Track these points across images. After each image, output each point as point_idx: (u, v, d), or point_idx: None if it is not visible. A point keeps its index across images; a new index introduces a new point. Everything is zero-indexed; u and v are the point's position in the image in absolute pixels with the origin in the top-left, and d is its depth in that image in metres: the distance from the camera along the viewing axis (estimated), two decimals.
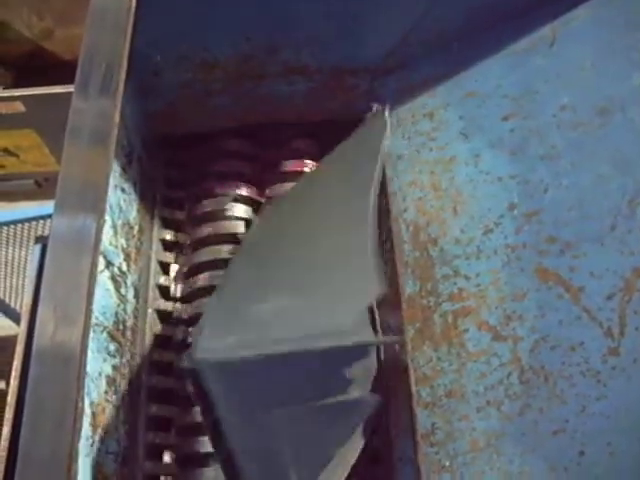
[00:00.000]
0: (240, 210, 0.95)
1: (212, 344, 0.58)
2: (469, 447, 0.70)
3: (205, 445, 0.82)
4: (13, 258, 1.55)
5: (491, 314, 0.74)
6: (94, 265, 0.63)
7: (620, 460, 0.61)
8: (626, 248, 0.67)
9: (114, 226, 0.83)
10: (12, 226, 1.51)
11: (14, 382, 1.20)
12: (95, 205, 0.65)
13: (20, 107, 1.58)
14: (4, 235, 1.55)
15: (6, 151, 1.75)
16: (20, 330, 1.25)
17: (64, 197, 0.66)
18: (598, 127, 0.73)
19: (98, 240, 0.64)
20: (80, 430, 0.59)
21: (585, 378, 0.66)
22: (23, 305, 1.27)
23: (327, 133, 0.99)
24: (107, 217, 0.81)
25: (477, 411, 0.71)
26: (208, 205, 0.96)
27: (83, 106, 0.69)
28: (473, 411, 0.71)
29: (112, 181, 0.84)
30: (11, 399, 1.18)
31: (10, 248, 1.54)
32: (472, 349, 0.74)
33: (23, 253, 1.54)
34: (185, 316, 0.91)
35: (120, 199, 0.86)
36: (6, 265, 1.58)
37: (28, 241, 1.51)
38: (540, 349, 0.70)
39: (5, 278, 1.60)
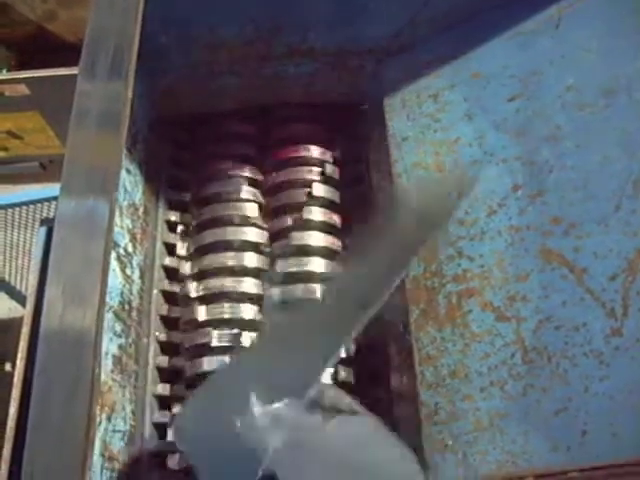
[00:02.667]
0: (245, 192, 0.96)
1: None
2: (472, 427, 0.70)
3: None
4: (18, 240, 1.56)
5: (495, 295, 0.75)
6: (108, 246, 0.63)
7: (622, 440, 0.62)
8: (630, 229, 0.67)
9: (120, 207, 0.83)
10: (17, 208, 1.51)
11: (20, 363, 1.20)
12: (105, 187, 0.65)
13: (24, 89, 1.57)
14: (9, 217, 1.55)
15: (10, 133, 1.75)
16: (26, 312, 1.26)
17: (70, 179, 0.67)
18: (603, 108, 0.73)
19: (112, 222, 0.64)
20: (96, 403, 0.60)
21: (588, 358, 0.66)
22: (29, 287, 1.27)
23: (332, 116, 0.99)
24: None
25: (480, 391, 0.71)
26: (214, 187, 0.96)
27: (90, 88, 0.69)
28: (477, 391, 0.72)
29: None
30: (17, 380, 1.19)
31: (15, 230, 1.55)
32: (476, 330, 0.74)
33: (28, 235, 1.55)
34: (191, 297, 0.92)
35: (126, 180, 0.86)
36: (11, 247, 1.58)
37: (33, 223, 1.52)
38: (543, 330, 0.70)
39: (10, 260, 1.60)
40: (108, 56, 0.69)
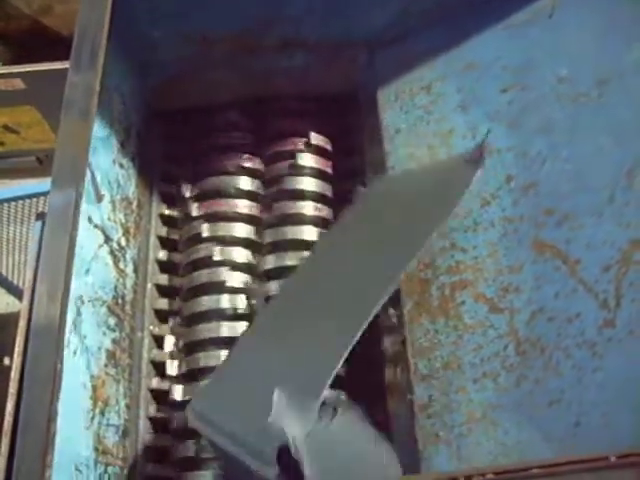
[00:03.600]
0: (241, 183, 0.95)
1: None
2: (465, 418, 0.70)
3: None
4: (14, 235, 1.55)
5: (488, 286, 0.74)
6: (72, 240, 0.63)
7: (615, 431, 0.62)
8: (623, 220, 0.67)
9: (112, 201, 0.83)
10: (13, 203, 1.50)
11: (17, 358, 1.20)
12: (72, 179, 0.65)
13: (20, 84, 1.57)
14: (5, 212, 1.55)
15: (6, 128, 1.75)
16: (22, 306, 1.25)
17: (58, 172, 0.67)
18: (597, 99, 0.72)
19: (76, 215, 0.64)
20: (58, 394, 0.60)
21: (581, 350, 0.66)
22: (25, 281, 1.27)
23: (326, 107, 0.99)
24: (106, 192, 0.81)
25: (473, 383, 0.71)
26: (209, 180, 0.95)
27: (76, 80, 0.69)
28: (470, 383, 0.72)
29: (110, 157, 0.85)
30: (14, 374, 1.19)
31: (12, 225, 1.54)
32: (469, 321, 0.74)
33: (24, 230, 1.54)
34: (184, 290, 0.91)
35: (118, 174, 0.86)
36: (8, 242, 1.58)
37: (29, 218, 1.51)
38: (536, 321, 0.70)
39: (7, 255, 1.60)
40: (89, 49, 0.69)
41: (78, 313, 0.71)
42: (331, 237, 0.86)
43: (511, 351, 0.70)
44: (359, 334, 0.67)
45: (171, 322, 0.91)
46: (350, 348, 0.66)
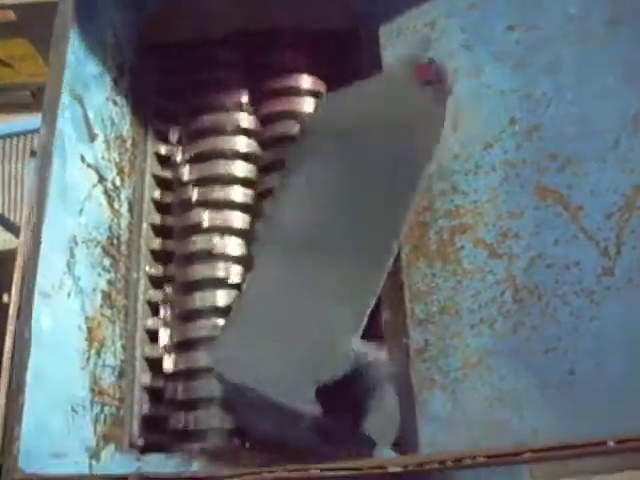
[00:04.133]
0: (237, 120, 0.93)
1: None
2: (461, 364, 0.70)
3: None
4: (10, 172, 1.54)
5: (487, 231, 0.73)
6: (43, 171, 0.63)
7: (610, 380, 0.61)
8: (628, 166, 0.66)
9: (106, 140, 0.81)
10: (8, 140, 1.48)
11: (15, 295, 1.20)
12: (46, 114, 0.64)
13: (11, 15, 1.53)
14: (2, 149, 1.53)
15: (0, 62, 1.71)
16: (19, 243, 1.25)
17: (47, 106, 0.65)
18: (605, 39, 0.70)
19: (48, 152, 0.63)
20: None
21: (579, 298, 0.65)
22: (22, 218, 1.26)
23: (325, 43, 0.96)
24: (99, 131, 0.80)
25: (470, 328, 0.71)
26: (205, 118, 0.93)
27: (64, 9, 0.66)
28: (466, 328, 0.71)
29: (104, 94, 0.82)
30: (13, 311, 1.20)
31: (7, 162, 1.53)
32: (467, 266, 0.73)
33: (21, 166, 1.52)
34: (178, 230, 0.90)
35: (112, 112, 0.84)
36: (4, 178, 1.56)
37: (24, 154, 1.49)
38: (535, 267, 0.69)
39: (3, 192, 1.59)
40: None
41: (72, 255, 0.70)
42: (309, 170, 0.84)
43: (508, 297, 0.70)
44: (389, 266, 0.72)
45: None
46: (382, 282, 0.72)
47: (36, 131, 1.46)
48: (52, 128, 0.66)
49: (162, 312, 0.87)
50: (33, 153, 1.17)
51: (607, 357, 0.63)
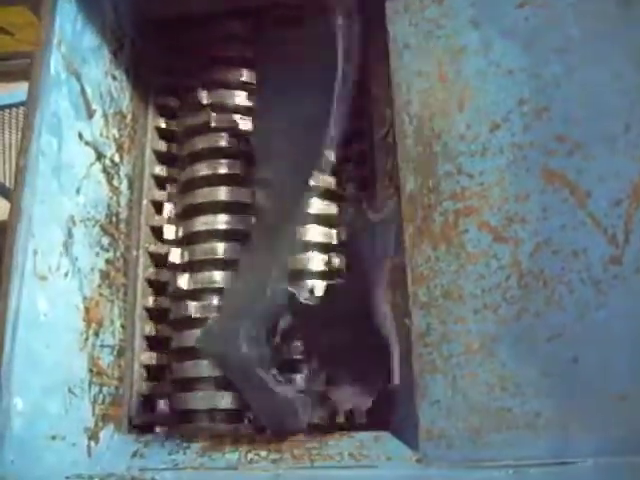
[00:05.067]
0: (240, 98, 0.91)
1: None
2: (463, 349, 0.69)
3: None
4: (11, 141, 1.52)
5: (493, 215, 0.72)
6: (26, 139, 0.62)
7: (613, 369, 0.61)
8: (638, 151, 0.64)
9: (105, 115, 0.80)
10: (12, 109, 1.46)
11: None
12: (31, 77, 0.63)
13: None
14: (4, 118, 1.51)
15: (1, 30, 1.69)
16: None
17: (34, 80, 0.64)
18: (618, 19, 0.67)
19: (32, 117, 0.62)
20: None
21: (585, 285, 0.64)
22: None
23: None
24: (97, 107, 0.78)
25: (474, 313, 0.70)
26: (207, 93, 0.91)
27: None
28: (469, 313, 0.70)
29: (102, 68, 0.81)
30: None
31: (7, 130, 1.51)
32: (472, 250, 0.72)
33: (21, 135, 1.50)
34: (179, 208, 0.89)
35: (111, 87, 0.82)
36: (4, 148, 1.55)
37: None
38: (541, 253, 0.68)
39: (4, 161, 1.58)
40: None
41: (69, 235, 0.69)
42: None
43: (513, 283, 0.69)
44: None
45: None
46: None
47: None
48: (39, 104, 0.65)
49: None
50: None
51: (612, 347, 0.62)
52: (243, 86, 0.92)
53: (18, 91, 1.64)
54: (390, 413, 0.74)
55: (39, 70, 0.66)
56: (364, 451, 0.69)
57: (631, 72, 0.66)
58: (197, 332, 0.81)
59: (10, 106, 1.45)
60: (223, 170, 0.88)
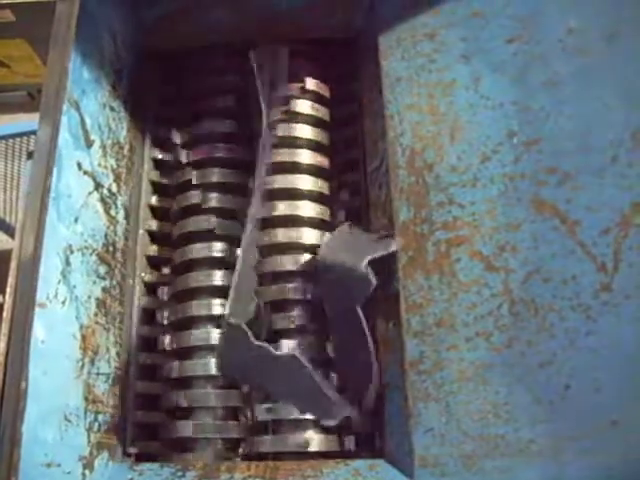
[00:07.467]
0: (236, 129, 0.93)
1: None
2: (456, 376, 0.70)
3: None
4: (6, 172, 1.53)
5: (484, 244, 0.73)
6: (47, 175, 0.63)
7: (605, 396, 0.61)
8: (626, 182, 0.66)
9: (103, 146, 0.81)
10: (4, 141, 1.47)
11: (9, 298, 1.20)
12: (50, 115, 0.64)
13: (9, 15, 1.52)
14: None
15: None
16: (15, 245, 1.25)
17: (44, 110, 0.65)
18: (605, 54, 0.70)
19: (51, 154, 0.63)
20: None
21: (575, 313, 0.65)
22: (18, 220, 1.26)
23: (325, 52, 0.96)
24: (96, 137, 0.79)
25: (466, 341, 0.71)
26: (202, 124, 0.93)
27: (61, 10, 0.66)
28: (462, 341, 0.71)
29: (101, 100, 0.82)
30: (7, 314, 1.19)
31: (3, 162, 1.52)
32: (464, 279, 0.73)
33: (17, 167, 1.52)
34: (175, 236, 0.90)
35: (109, 118, 0.83)
36: (0, 179, 1.56)
37: (20, 154, 1.49)
38: (532, 281, 0.69)
39: (0, 192, 1.58)
40: None
41: (67, 263, 0.70)
42: None
43: (505, 311, 0.70)
44: None
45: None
46: None
47: (33, 132, 1.46)
48: (50, 135, 0.66)
49: (159, 318, 0.87)
50: (30, 154, 1.17)
51: (603, 373, 0.63)
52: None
53: (14, 123, 1.66)
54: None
55: (47, 102, 0.67)
56: (359, 479, 0.69)
57: (618, 105, 0.68)
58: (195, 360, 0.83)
59: (5, 137, 1.46)
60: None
